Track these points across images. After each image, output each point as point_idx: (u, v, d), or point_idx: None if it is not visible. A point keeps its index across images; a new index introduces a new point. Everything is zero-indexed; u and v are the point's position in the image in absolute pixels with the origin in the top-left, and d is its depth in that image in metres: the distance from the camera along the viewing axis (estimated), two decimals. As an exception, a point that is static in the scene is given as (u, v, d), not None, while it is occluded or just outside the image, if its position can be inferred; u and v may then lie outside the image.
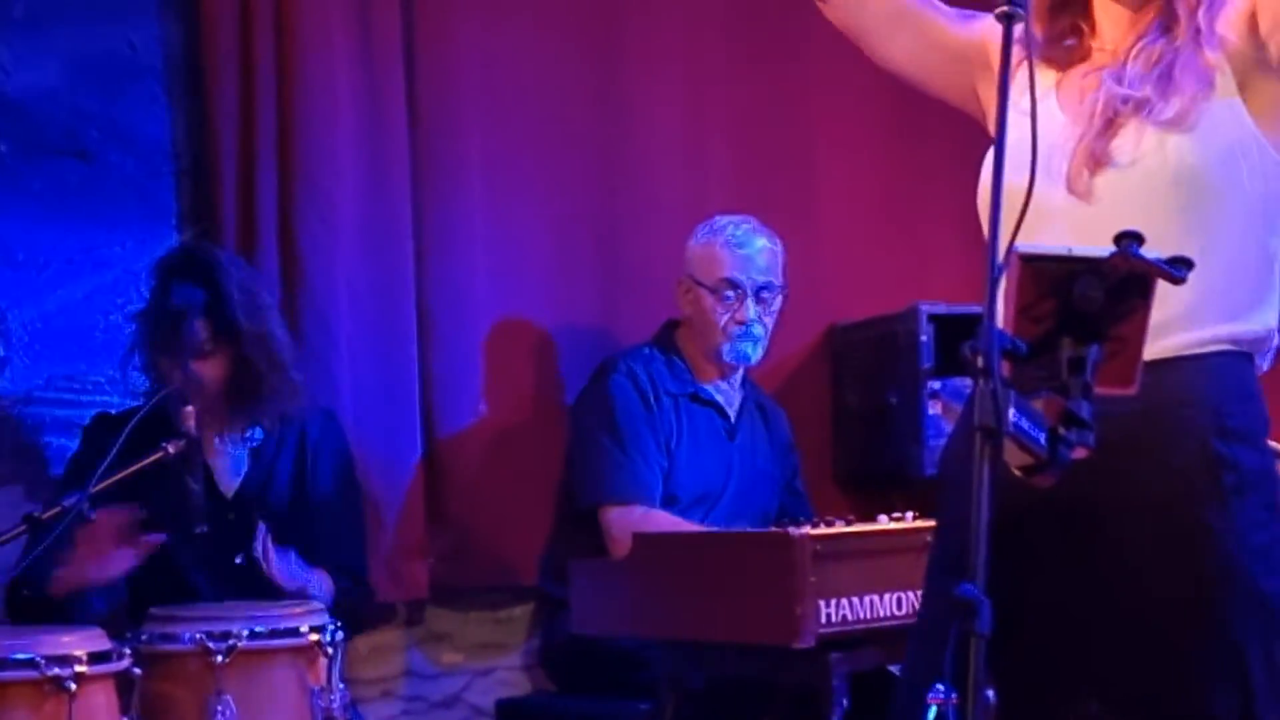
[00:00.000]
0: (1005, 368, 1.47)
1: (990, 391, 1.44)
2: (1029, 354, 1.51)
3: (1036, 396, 1.54)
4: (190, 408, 2.82)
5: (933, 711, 1.37)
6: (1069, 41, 2.02)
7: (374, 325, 3.60)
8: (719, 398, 3.58)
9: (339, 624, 2.71)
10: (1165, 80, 1.90)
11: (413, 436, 3.63)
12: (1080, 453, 1.53)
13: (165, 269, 3.08)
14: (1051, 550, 1.86)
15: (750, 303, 3.48)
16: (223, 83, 3.48)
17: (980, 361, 1.45)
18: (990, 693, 1.41)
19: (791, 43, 3.98)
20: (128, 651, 2.50)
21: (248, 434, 3.14)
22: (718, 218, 3.55)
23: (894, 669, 2.85)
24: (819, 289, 3.97)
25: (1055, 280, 1.54)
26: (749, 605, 2.69)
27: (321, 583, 3.05)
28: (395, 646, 3.75)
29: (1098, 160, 1.91)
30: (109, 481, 2.69)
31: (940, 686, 1.39)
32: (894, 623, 2.68)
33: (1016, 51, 1.63)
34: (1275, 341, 1.96)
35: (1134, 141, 1.90)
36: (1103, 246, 1.54)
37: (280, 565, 2.94)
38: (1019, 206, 1.57)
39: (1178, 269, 1.53)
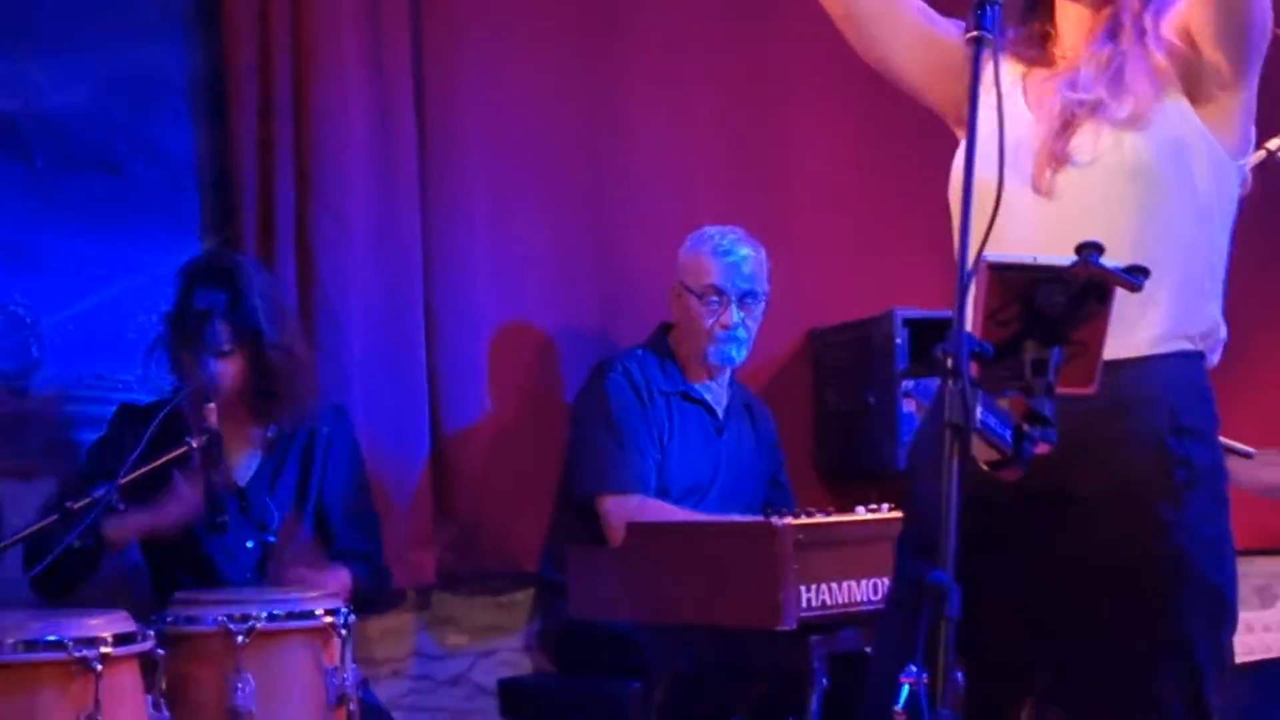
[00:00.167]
0: (974, 369, 1.47)
1: (959, 391, 1.44)
2: (995, 356, 1.51)
3: (1003, 396, 1.54)
4: (212, 405, 2.82)
5: (905, 690, 1.37)
6: (1035, 44, 2.01)
7: (384, 329, 3.59)
8: (708, 396, 3.57)
9: (352, 608, 2.70)
10: (1117, 82, 1.90)
11: (421, 433, 3.62)
12: (1043, 448, 1.54)
13: (190, 273, 3.08)
14: (1013, 540, 1.85)
15: (734, 308, 3.47)
16: (244, 102, 3.48)
17: (950, 363, 1.45)
18: (959, 674, 1.40)
19: (774, 67, 3.98)
20: (152, 633, 2.49)
21: (264, 430, 3.13)
22: (706, 228, 3.55)
23: (870, 651, 2.85)
24: (800, 295, 3.96)
25: (1020, 287, 1.54)
26: (735, 591, 2.69)
27: (334, 580, 3.03)
28: (405, 629, 3.74)
29: (1059, 159, 1.90)
30: (136, 474, 2.68)
31: (912, 667, 1.38)
32: (871, 607, 2.68)
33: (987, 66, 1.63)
34: (1222, 335, 1.96)
35: (1092, 141, 1.89)
36: (1065, 256, 1.54)
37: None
38: (989, 202, 1.57)
39: (1135, 277, 1.53)
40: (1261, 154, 2.79)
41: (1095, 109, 1.89)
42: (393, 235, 3.61)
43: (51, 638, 2.32)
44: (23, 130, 3.36)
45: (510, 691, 3.60)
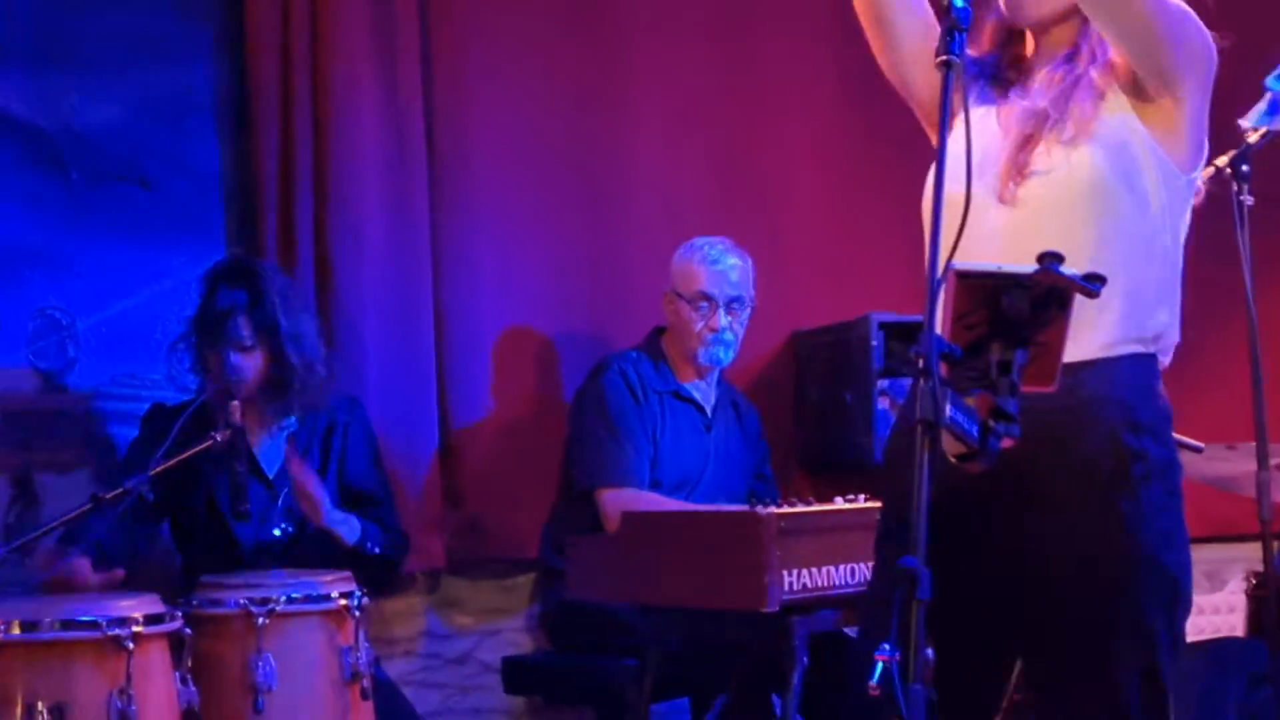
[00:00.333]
0: (943, 369, 1.47)
1: (930, 390, 1.44)
2: (963, 357, 1.51)
3: (970, 394, 1.54)
4: (236, 401, 2.82)
5: (879, 667, 1.37)
6: (1012, 69, 2.02)
7: (396, 331, 3.59)
8: (697, 395, 3.57)
9: (364, 590, 2.70)
10: (1065, 98, 1.90)
11: (431, 428, 3.62)
12: (1008, 443, 1.54)
13: (213, 275, 3.07)
14: (980, 529, 1.85)
15: (722, 313, 3.47)
16: (266, 119, 3.47)
17: (921, 363, 1.45)
18: (930, 651, 1.40)
19: (760, 90, 3.97)
20: (179, 614, 2.49)
21: (284, 422, 3.12)
22: (697, 239, 3.55)
23: (848, 631, 2.85)
24: (784, 300, 3.96)
25: (986, 293, 1.54)
26: (722, 575, 2.68)
27: (352, 521, 3.02)
28: (415, 610, 3.74)
29: (1020, 171, 1.91)
30: (166, 466, 2.68)
31: (886, 646, 1.38)
32: (848, 590, 2.68)
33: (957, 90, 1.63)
34: (1174, 338, 1.96)
35: (1047, 154, 1.90)
36: (1026, 260, 1.54)
37: (319, 491, 2.92)
38: (958, 215, 1.57)
39: (1093, 284, 1.54)
40: (1211, 169, 2.80)
41: (1043, 121, 1.90)
42: (404, 243, 3.60)
43: (87, 618, 2.33)
44: (60, 146, 3.36)
45: (513, 668, 3.59)
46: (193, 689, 2.46)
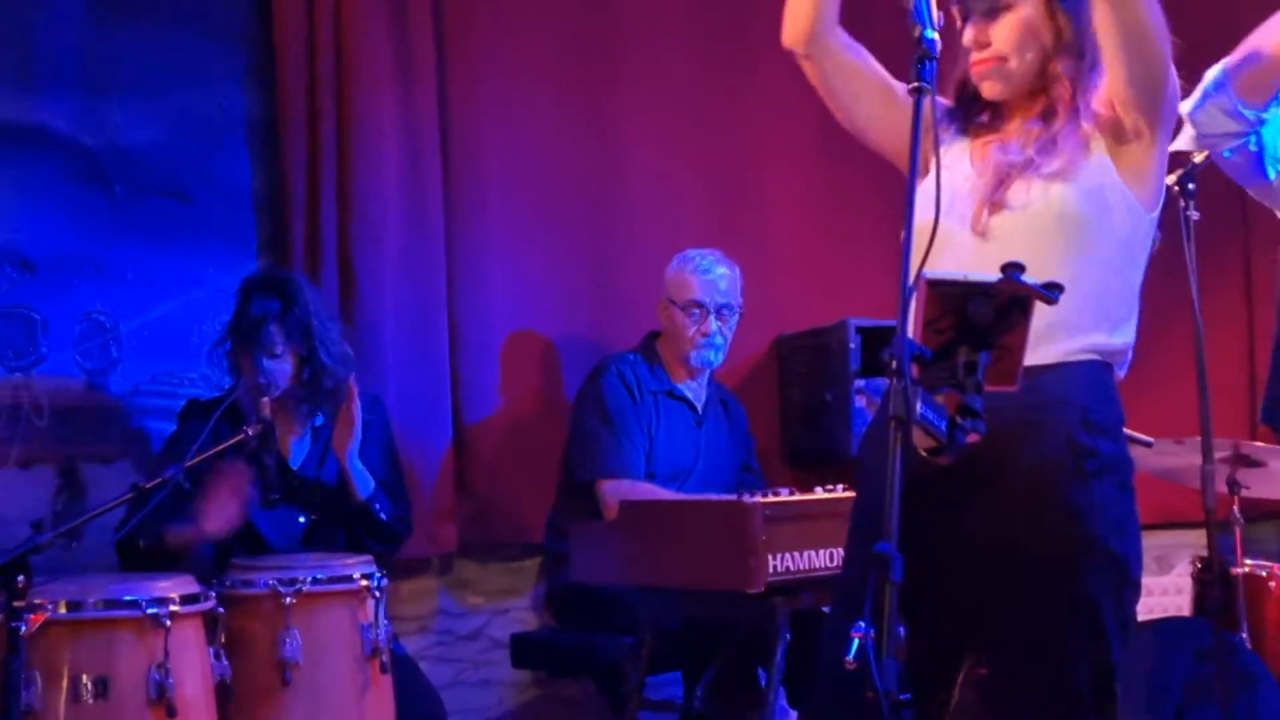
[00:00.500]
0: (915, 370, 1.47)
1: (902, 389, 1.44)
2: (933, 359, 1.52)
3: (939, 393, 1.54)
4: (267, 398, 2.81)
5: (855, 643, 1.37)
6: (982, 118, 2.02)
7: (413, 334, 3.59)
8: (689, 394, 3.57)
9: (384, 571, 2.70)
10: (1050, 144, 1.90)
11: (444, 423, 3.62)
12: (973, 438, 1.54)
13: (248, 286, 3.06)
14: (945, 516, 1.85)
15: (712, 319, 3.47)
16: (294, 139, 3.47)
17: (894, 364, 1.45)
18: (901, 629, 1.40)
19: (748, 112, 3.97)
20: (213, 594, 2.49)
21: (311, 418, 3.12)
22: (690, 250, 3.55)
23: (827, 609, 2.85)
24: (768, 306, 3.96)
25: (954, 300, 1.54)
26: (712, 558, 2.68)
27: (368, 478, 3.01)
28: (430, 591, 3.73)
29: (995, 205, 1.91)
30: (201, 457, 2.68)
31: (861, 623, 1.38)
32: (827, 572, 2.68)
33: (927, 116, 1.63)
34: (1128, 356, 1.96)
35: (1024, 190, 1.89)
36: (992, 274, 1.54)
37: (356, 434, 2.92)
38: (927, 237, 1.58)
39: (1051, 292, 1.54)
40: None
41: (1026, 168, 1.90)
42: (421, 254, 3.60)
43: (128, 598, 2.33)
44: (104, 163, 3.35)
45: (520, 644, 3.59)
46: (225, 663, 2.47)
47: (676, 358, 3.53)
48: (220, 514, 2.80)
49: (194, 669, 2.39)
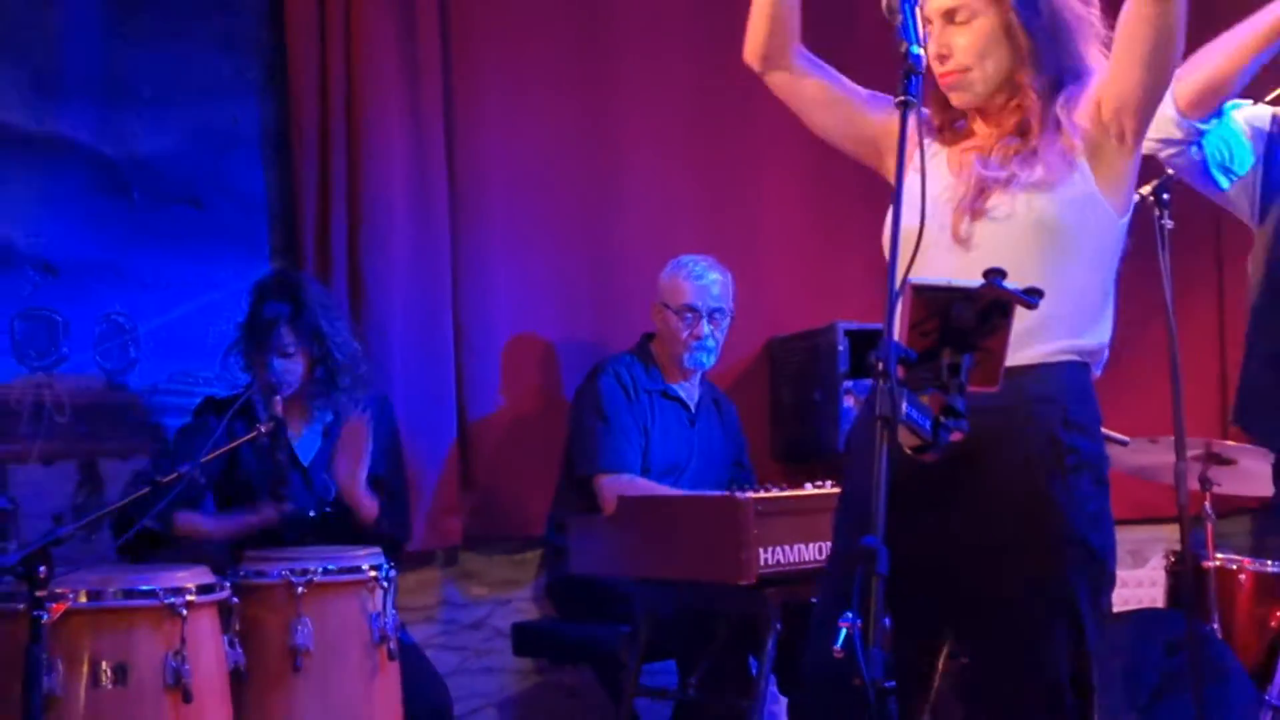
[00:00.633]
0: (900, 371, 1.48)
1: (888, 389, 1.44)
2: (918, 361, 1.52)
3: (924, 393, 1.54)
4: (279, 397, 2.81)
5: (843, 633, 1.37)
6: (958, 124, 2.02)
7: (420, 335, 3.58)
8: (683, 394, 3.57)
9: (392, 563, 2.70)
10: (1030, 157, 1.89)
11: (449, 420, 3.61)
12: (957, 436, 1.54)
13: (260, 288, 3.07)
14: (930, 513, 1.85)
15: (705, 322, 3.47)
16: (305, 148, 3.47)
17: (881, 366, 1.46)
18: (887, 620, 1.40)
19: (742, 119, 3.95)
20: (228, 584, 2.49)
21: (322, 417, 3.12)
22: (683, 256, 3.55)
23: (816, 601, 2.85)
24: (760, 309, 3.96)
25: (938, 305, 1.54)
26: (706, 551, 2.69)
27: (370, 497, 3.00)
28: (435, 582, 3.73)
29: (975, 214, 1.90)
30: (215, 454, 2.68)
31: (849, 614, 1.39)
32: (817, 565, 2.67)
33: (911, 133, 1.63)
34: (1104, 356, 1.96)
35: (1007, 202, 1.89)
36: (975, 280, 1.54)
37: (365, 458, 2.91)
38: (911, 241, 1.58)
39: (1031, 297, 1.54)
40: (1135, 198, 2.80)
41: (1009, 182, 1.89)
42: (427, 258, 3.60)
43: (145, 587, 2.33)
44: (124, 171, 3.35)
45: (521, 633, 3.59)
46: (239, 651, 2.47)
47: (670, 359, 3.53)
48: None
49: (209, 656, 2.39)
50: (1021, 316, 1.57)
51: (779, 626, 2.68)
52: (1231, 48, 2.19)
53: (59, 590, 2.25)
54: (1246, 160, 2.30)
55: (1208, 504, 3.42)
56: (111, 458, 3.25)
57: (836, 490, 2.67)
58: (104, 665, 2.27)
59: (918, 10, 1.70)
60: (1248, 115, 2.31)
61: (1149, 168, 2.40)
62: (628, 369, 3.48)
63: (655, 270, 3.58)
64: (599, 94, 3.89)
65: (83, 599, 2.29)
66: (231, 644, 2.45)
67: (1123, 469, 3.43)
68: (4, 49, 3.20)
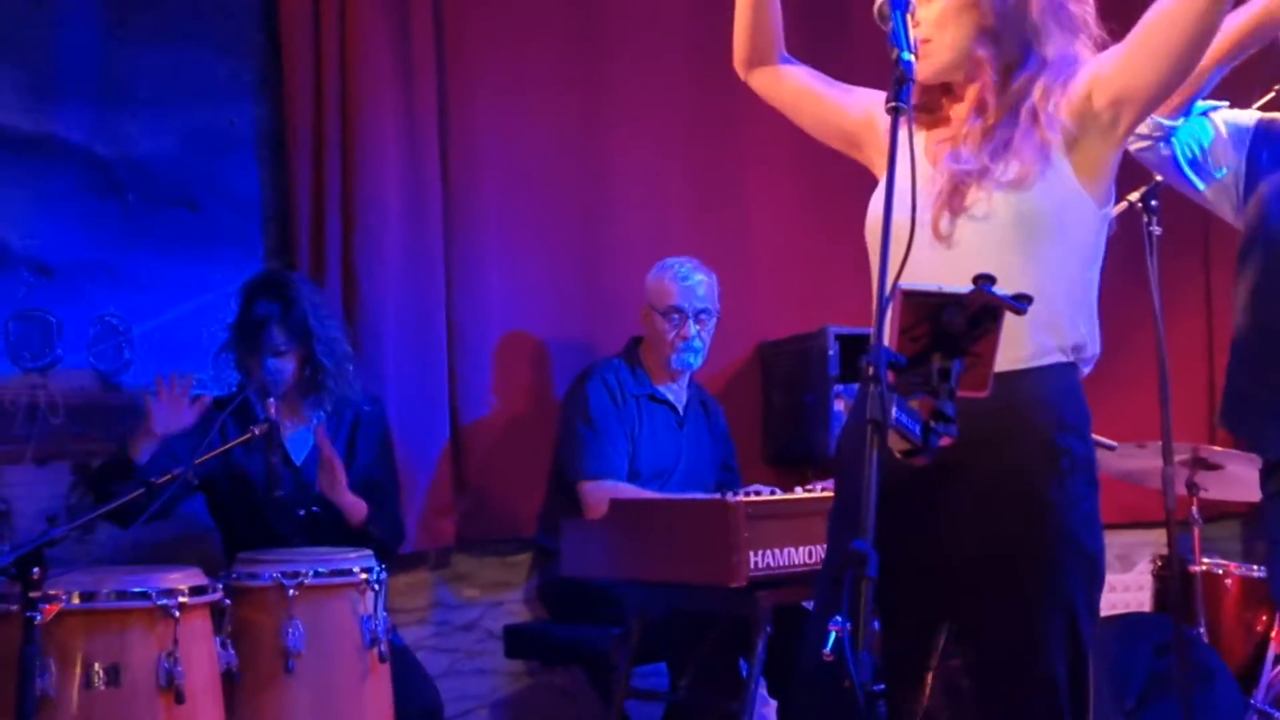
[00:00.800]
0: (890, 376, 1.47)
1: (878, 394, 1.44)
2: (908, 365, 1.52)
3: (914, 398, 1.54)
4: (273, 398, 2.81)
5: (832, 637, 1.37)
6: (932, 110, 2.00)
7: (413, 337, 3.58)
8: (670, 397, 3.56)
9: (383, 565, 2.69)
10: (1001, 152, 1.88)
11: (442, 422, 3.61)
12: (946, 441, 1.54)
13: (250, 288, 3.06)
14: (923, 517, 1.85)
15: (691, 323, 3.47)
16: (300, 150, 3.46)
17: (871, 370, 1.46)
18: (876, 623, 1.40)
19: (734, 122, 3.96)
20: (220, 586, 2.49)
21: (313, 416, 3.12)
22: (668, 259, 3.55)
23: (806, 604, 2.85)
24: (752, 313, 3.97)
25: (928, 310, 1.54)
26: (697, 554, 2.68)
27: (360, 505, 3.00)
28: (427, 583, 3.73)
29: (954, 210, 1.89)
30: (210, 455, 2.67)
31: (838, 618, 1.39)
32: (806, 568, 2.68)
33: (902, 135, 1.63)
34: (1093, 351, 1.96)
35: (985, 200, 1.87)
36: (959, 280, 1.54)
37: (340, 469, 2.91)
38: (901, 246, 1.57)
39: (1020, 303, 1.54)
40: (1124, 205, 2.82)
41: (982, 175, 1.88)
42: (420, 260, 3.60)
43: (139, 589, 2.33)
44: (119, 173, 3.34)
45: (513, 635, 3.59)
46: (231, 652, 2.47)
47: (658, 361, 3.53)
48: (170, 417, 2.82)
49: (202, 657, 2.39)
50: (1010, 317, 1.57)
51: (769, 629, 2.68)
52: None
53: (52, 591, 2.24)
54: (1226, 162, 2.30)
55: (1194, 509, 3.43)
56: (104, 459, 3.24)
57: (826, 494, 2.69)
58: (97, 666, 2.27)
59: (909, 17, 1.70)
60: (1228, 118, 2.32)
61: (1139, 174, 2.41)
62: (615, 374, 3.48)
63: (647, 272, 3.58)
64: (592, 97, 3.89)
65: (76, 600, 2.28)
66: (224, 645, 2.45)
67: (1111, 473, 3.45)
68: (0, 50, 3.20)
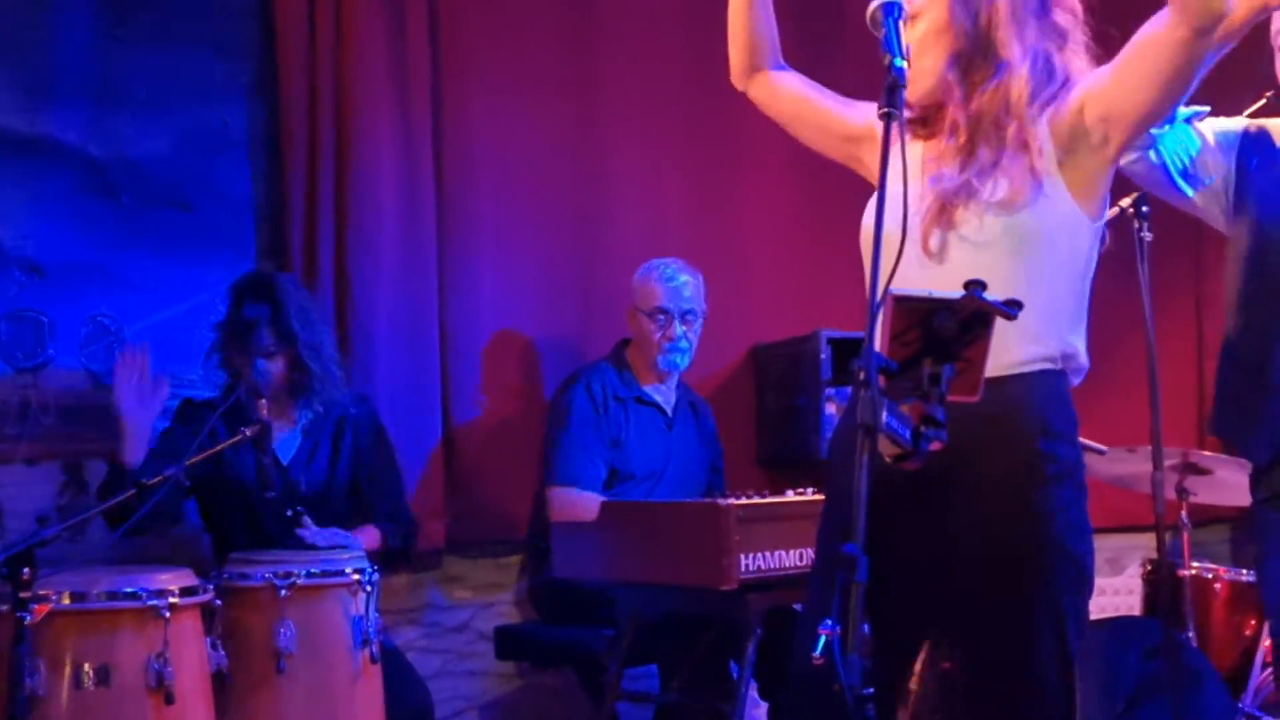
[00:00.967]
0: (881, 380, 1.48)
1: (869, 398, 1.44)
2: (899, 370, 1.52)
3: (904, 403, 1.54)
4: (264, 400, 2.80)
5: (822, 640, 1.37)
6: (930, 125, 2.00)
7: (406, 339, 3.58)
8: (658, 398, 3.56)
9: (386, 559, 2.68)
10: (991, 169, 1.88)
11: (434, 424, 3.61)
12: (936, 446, 1.54)
13: (239, 289, 3.05)
14: (912, 521, 1.85)
15: (677, 324, 3.47)
16: (294, 152, 3.46)
17: (862, 375, 1.46)
18: (865, 627, 1.40)
19: (729, 126, 3.95)
20: (211, 586, 2.48)
21: (300, 417, 3.11)
22: (654, 260, 3.55)
23: (796, 606, 2.85)
24: (745, 317, 3.97)
25: (919, 315, 1.54)
26: (689, 556, 2.68)
27: (362, 540, 3.01)
28: (419, 585, 3.72)
29: (944, 228, 1.90)
30: (200, 456, 2.67)
31: (828, 621, 1.39)
32: (797, 571, 2.68)
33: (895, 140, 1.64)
34: (1081, 362, 1.96)
35: (976, 221, 1.87)
36: (955, 291, 1.55)
37: (323, 537, 2.91)
38: (892, 251, 1.58)
39: (1011, 309, 1.54)
40: (1115, 211, 2.82)
41: (969, 194, 1.88)
42: (414, 262, 3.59)
43: (129, 589, 2.32)
44: (112, 174, 3.34)
45: (504, 637, 3.59)
46: (222, 653, 2.46)
47: (645, 363, 3.53)
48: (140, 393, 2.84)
49: (192, 658, 2.38)
50: (1000, 325, 1.57)
51: (760, 632, 2.68)
52: None
53: (42, 591, 2.23)
54: (1215, 169, 2.30)
55: (1184, 513, 3.44)
56: (96, 459, 3.23)
57: (817, 497, 2.69)
58: (87, 666, 2.26)
59: (901, 24, 1.70)
60: (1215, 126, 2.32)
61: (1128, 181, 2.41)
62: (600, 379, 3.48)
63: (634, 274, 3.58)
64: (587, 99, 3.89)
65: (66, 600, 2.27)
66: (214, 646, 2.44)
67: (1101, 478, 3.45)
68: (-5, 51, 3.20)
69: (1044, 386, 1.89)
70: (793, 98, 2.15)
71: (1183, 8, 1.75)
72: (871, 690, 1.39)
